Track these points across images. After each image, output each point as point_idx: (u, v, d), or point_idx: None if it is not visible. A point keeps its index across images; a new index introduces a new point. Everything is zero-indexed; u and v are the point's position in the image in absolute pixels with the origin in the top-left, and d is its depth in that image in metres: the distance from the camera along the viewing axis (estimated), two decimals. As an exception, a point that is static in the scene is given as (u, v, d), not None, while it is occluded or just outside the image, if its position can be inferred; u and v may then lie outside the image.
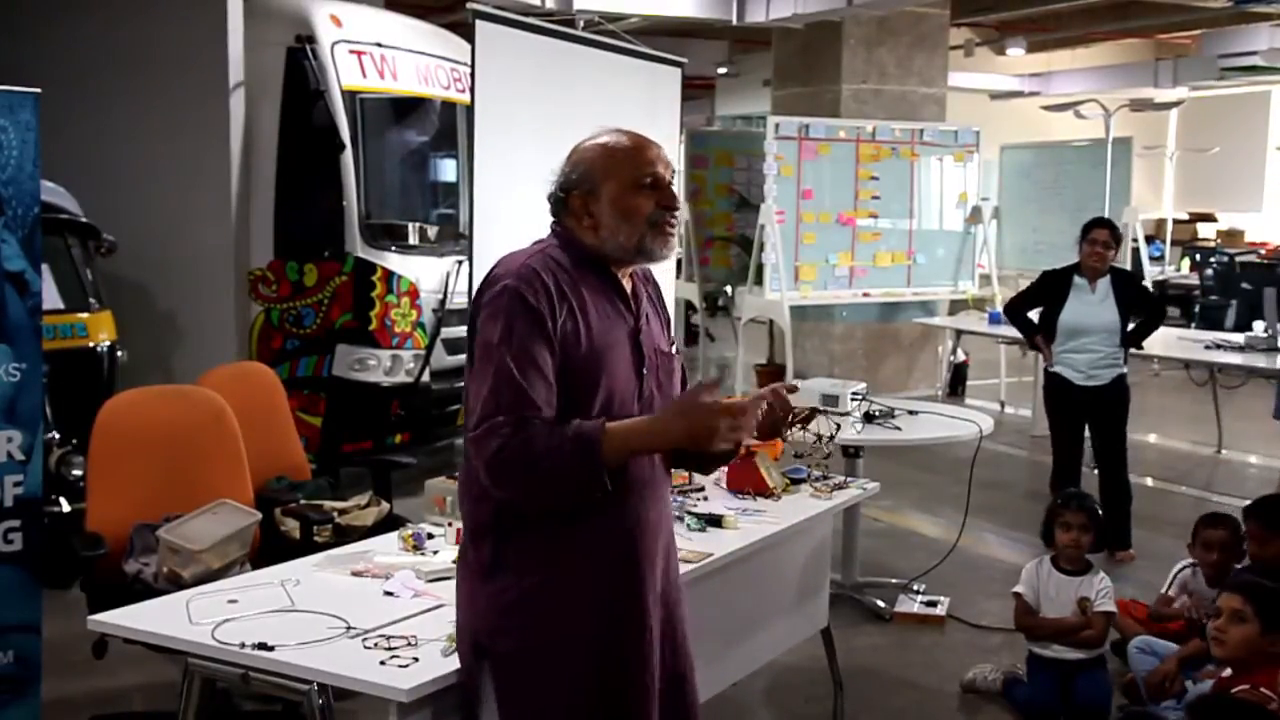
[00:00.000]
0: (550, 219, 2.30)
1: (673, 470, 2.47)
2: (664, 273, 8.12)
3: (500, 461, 2.04)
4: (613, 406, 2.16)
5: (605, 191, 2.20)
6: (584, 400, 2.13)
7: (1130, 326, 5.99)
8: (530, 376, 2.06)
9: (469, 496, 2.22)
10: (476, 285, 2.25)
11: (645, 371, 2.25)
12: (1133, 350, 6.21)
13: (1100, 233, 5.88)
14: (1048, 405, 6.26)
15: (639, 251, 2.22)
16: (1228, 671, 3.43)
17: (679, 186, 10.10)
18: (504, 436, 2.03)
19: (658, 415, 2.15)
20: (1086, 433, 6.11)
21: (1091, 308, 5.92)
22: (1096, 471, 6.06)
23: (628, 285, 2.28)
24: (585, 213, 2.21)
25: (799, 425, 2.41)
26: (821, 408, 2.48)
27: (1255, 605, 3.35)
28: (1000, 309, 9.34)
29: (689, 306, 12.27)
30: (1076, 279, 5.96)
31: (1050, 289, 6.07)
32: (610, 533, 2.18)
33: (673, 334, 2.43)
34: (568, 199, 2.23)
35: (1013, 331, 8.80)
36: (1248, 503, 4.68)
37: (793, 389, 2.41)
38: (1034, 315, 6.21)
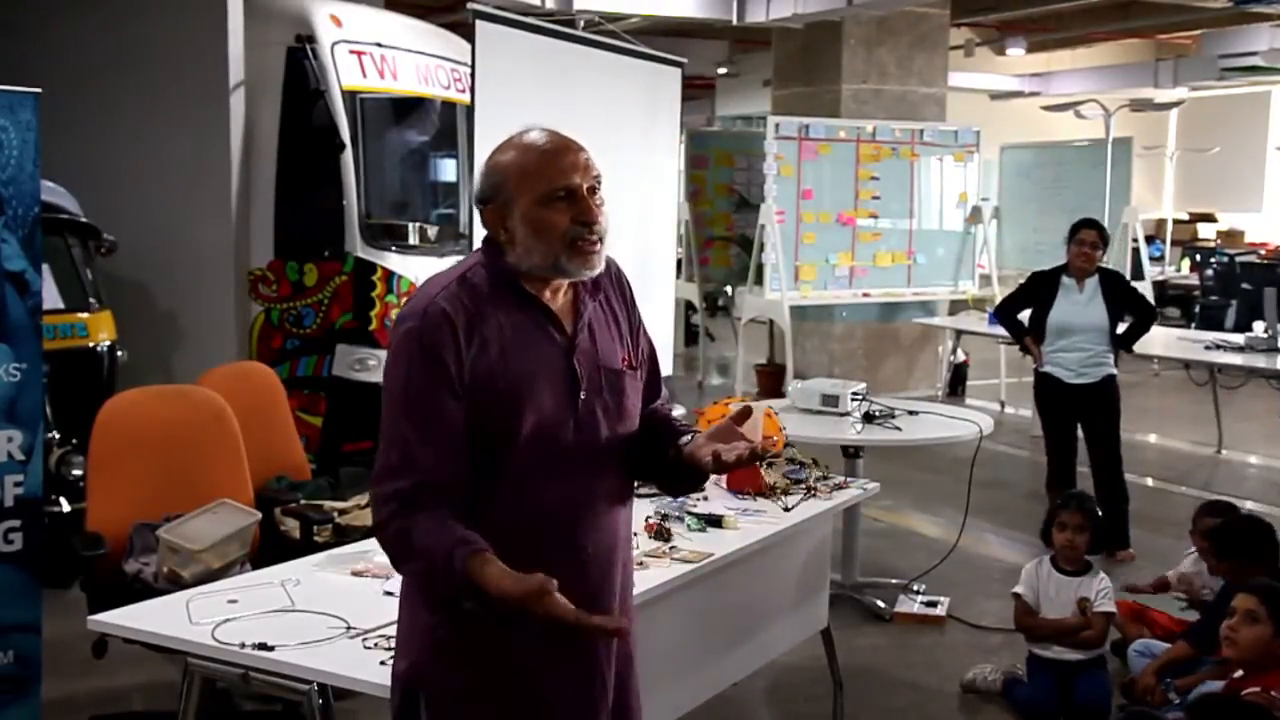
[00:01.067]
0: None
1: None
2: (663, 275, 8.15)
3: (383, 536, 1.98)
4: (542, 433, 2.02)
5: (518, 206, 2.02)
6: (508, 432, 2.00)
7: (1121, 328, 6.01)
8: (426, 434, 1.96)
9: None
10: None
11: (583, 395, 2.07)
12: (1134, 350, 6.22)
13: (1088, 233, 5.93)
14: (1039, 405, 6.30)
15: (556, 270, 2.04)
16: (1239, 673, 3.43)
17: (679, 188, 10.17)
18: (389, 513, 1.96)
19: (509, 576, 1.88)
20: (1080, 433, 6.12)
21: (1079, 307, 5.95)
22: (1091, 472, 6.07)
23: (559, 300, 2.10)
24: (501, 228, 2.05)
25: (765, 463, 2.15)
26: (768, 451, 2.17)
27: (1269, 607, 3.38)
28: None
29: (689, 306, 12.28)
30: (1064, 279, 6.00)
31: (1039, 290, 6.12)
32: (554, 571, 1.95)
33: (643, 344, 2.24)
34: (483, 213, 2.08)
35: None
36: (1246, 510, 4.70)
37: (745, 414, 2.13)
38: (1024, 317, 6.24)
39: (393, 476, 1.96)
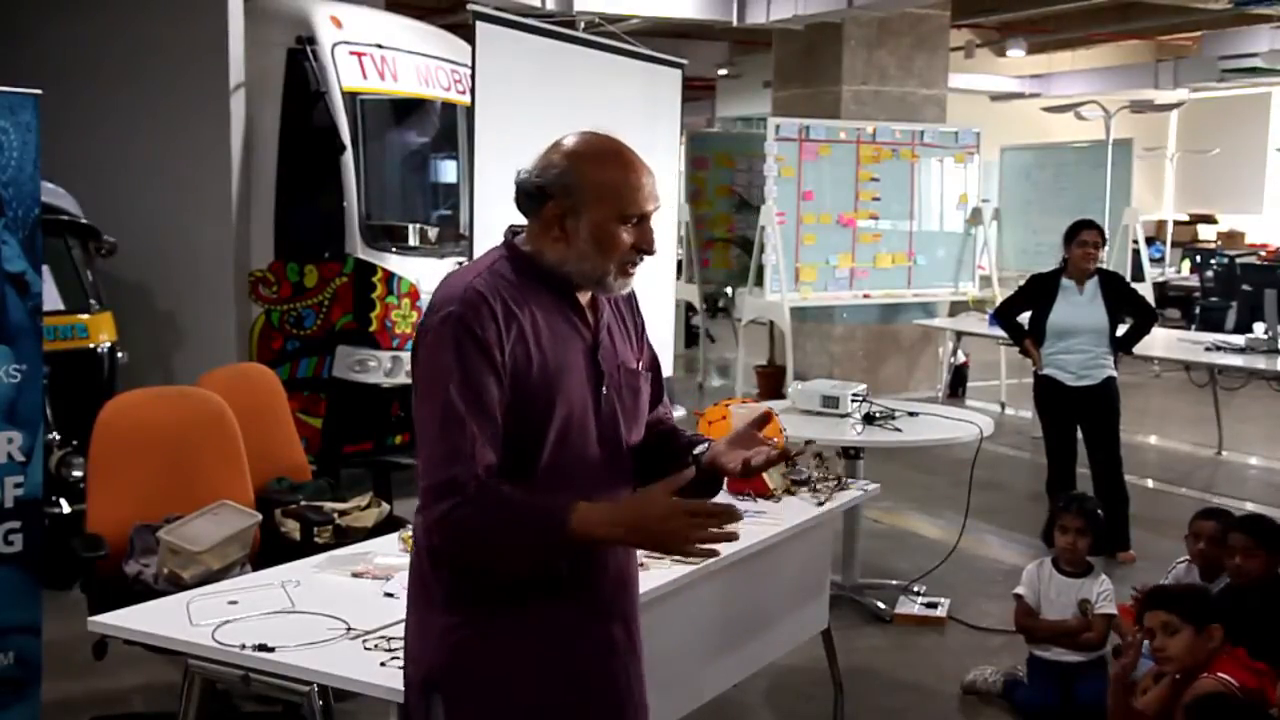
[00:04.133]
0: (507, 226, 2.15)
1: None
2: (663, 277, 8.15)
3: (451, 524, 1.92)
4: (570, 429, 2.03)
5: (589, 215, 2.01)
6: (539, 424, 2.00)
7: (1121, 329, 6.01)
8: (480, 418, 1.93)
9: (424, 520, 2.07)
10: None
11: (605, 389, 2.09)
12: (1133, 353, 6.22)
13: (1089, 234, 5.92)
14: (1039, 407, 6.27)
15: (598, 283, 2.06)
16: (1177, 676, 3.45)
17: (679, 189, 10.16)
18: (454, 503, 1.90)
19: (621, 516, 1.91)
20: (1079, 434, 6.12)
21: (1080, 309, 5.94)
22: (1091, 474, 6.07)
23: (584, 298, 2.12)
24: (558, 226, 2.03)
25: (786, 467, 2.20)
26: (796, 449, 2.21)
27: (1179, 611, 3.42)
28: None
29: (689, 308, 12.28)
30: (1064, 281, 5.99)
31: (1038, 291, 6.12)
32: (569, 572, 2.03)
33: (646, 350, 2.26)
34: (543, 203, 2.04)
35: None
36: (1245, 511, 4.69)
37: (765, 419, 2.16)
38: (1024, 319, 6.23)
39: (453, 462, 1.92)
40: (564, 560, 1.95)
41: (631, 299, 2.25)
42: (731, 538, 1.88)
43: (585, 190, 2.01)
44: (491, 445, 1.94)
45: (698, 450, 2.17)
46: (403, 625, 2.27)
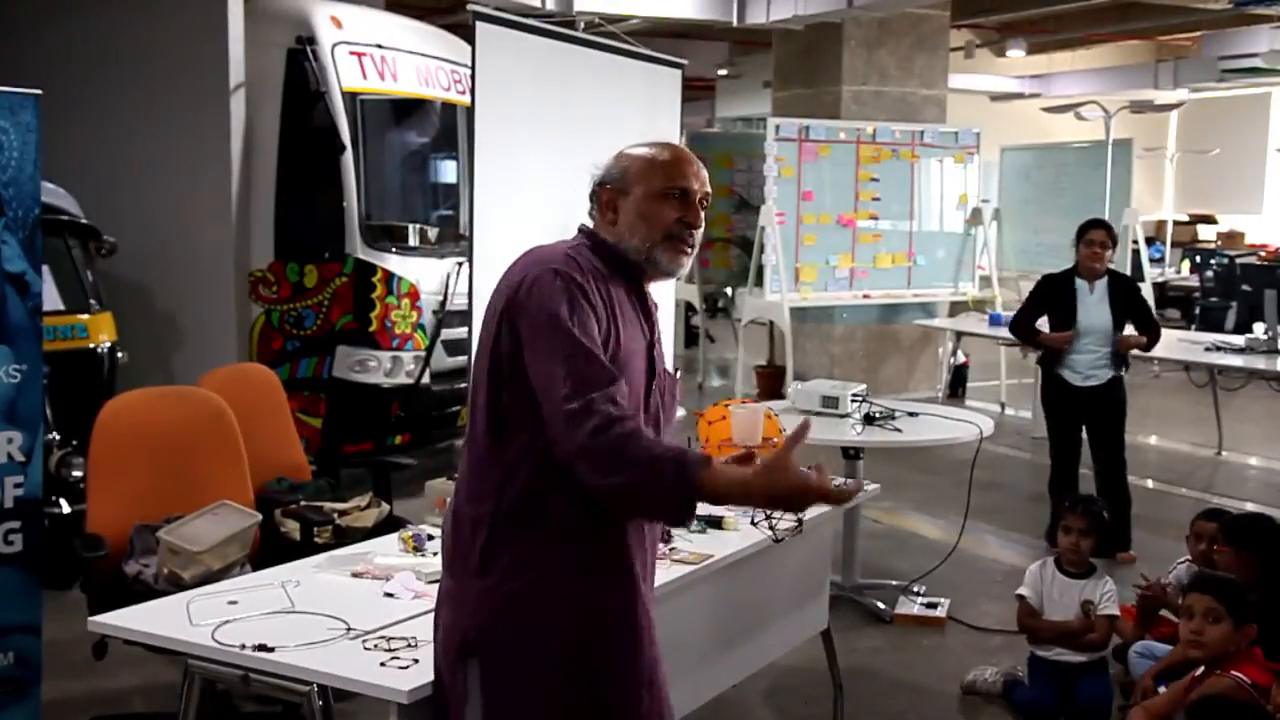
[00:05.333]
0: (580, 221, 2.32)
1: None
2: (663, 287, 8.13)
3: (598, 442, 1.97)
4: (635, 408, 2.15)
5: (634, 192, 2.23)
6: None
7: (1129, 330, 5.99)
8: (601, 355, 2.05)
9: (467, 489, 2.19)
10: (500, 279, 2.19)
11: (654, 387, 2.24)
12: (1134, 353, 6.20)
13: (1097, 233, 5.89)
14: (1046, 407, 6.26)
15: (648, 259, 2.23)
16: (1199, 671, 3.45)
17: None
18: (602, 416, 1.97)
19: (754, 477, 2.00)
20: (1083, 435, 6.12)
21: (1090, 309, 5.93)
22: (1094, 474, 6.06)
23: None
24: (611, 208, 2.24)
25: None
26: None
27: (1227, 604, 3.41)
28: (1000, 310, 9.36)
29: (689, 308, 12.28)
30: (1077, 281, 5.96)
31: (1051, 292, 6.05)
32: (606, 540, 2.17)
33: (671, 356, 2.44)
34: (600, 191, 2.27)
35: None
36: (1244, 511, 4.68)
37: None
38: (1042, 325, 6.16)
39: (592, 386, 2.01)
40: (690, 511, 2.01)
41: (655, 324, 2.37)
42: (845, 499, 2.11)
43: (630, 172, 2.25)
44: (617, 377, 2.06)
45: None
46: (403, 625, 2.29)
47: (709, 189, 2.29)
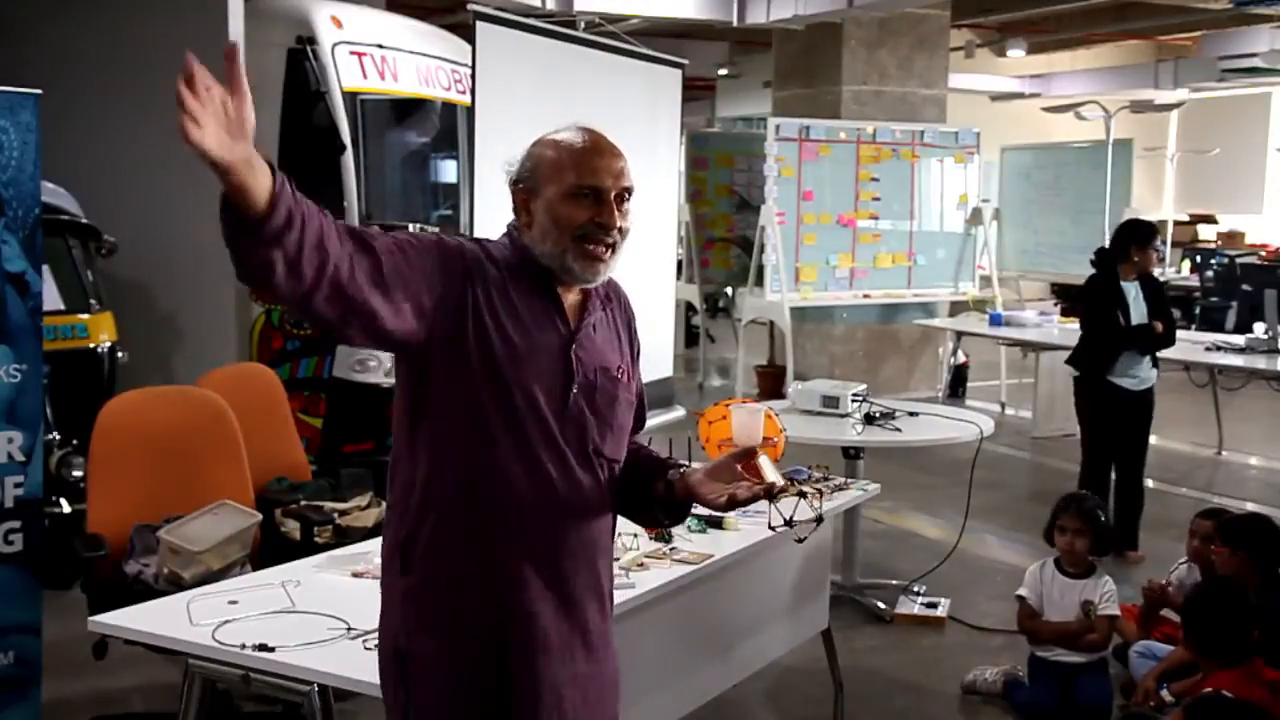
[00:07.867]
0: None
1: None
2: (663, 277, 8.15)
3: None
4: (525, 420, 2.01)
5: (545, 193, 2.04)
6: (503, 395, 2.00)
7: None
8: (404, 250, 1.93)
9: (390, 486, 2.11)
10: None
11: (575, 389, 2.07)
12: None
13: (1157, 238, 5.90)
14: (1094, 412, 6.04)
15: (560, 265, 2.05)
16: (1199, 675, 3.46)
17: (679, 189, 10.16)
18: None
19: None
20: None
21: (1140, 312, 5.90)
22: (1114, 473, 6.03)
23: (571, 298, 2.11)
24: (525, 210, 2.08)
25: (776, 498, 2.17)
26: (801, 487, 2.25)
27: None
28: (1000, 310, 9.36)
29: (689, 308, 12.28)
30: (1124, 284, 5.90)
31: (1111, 294, 5.89)
32: (501, 538, 2.04)
33: (634, 362, 2.24)
34: (513, 191, 2.10)
35: (1011, 333, 8.84)
36: (1245, 510, 4.69)
37: (749, 454, 2.14)
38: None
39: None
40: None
41: (630, 320, 2.25)
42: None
43: (540, 170, 2.06)
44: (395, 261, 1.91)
45: (671, 475, 2.18)
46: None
47: (629, 182, 2.07)
